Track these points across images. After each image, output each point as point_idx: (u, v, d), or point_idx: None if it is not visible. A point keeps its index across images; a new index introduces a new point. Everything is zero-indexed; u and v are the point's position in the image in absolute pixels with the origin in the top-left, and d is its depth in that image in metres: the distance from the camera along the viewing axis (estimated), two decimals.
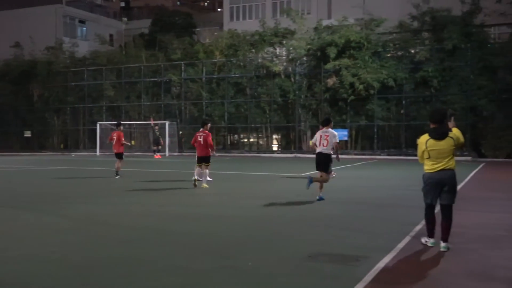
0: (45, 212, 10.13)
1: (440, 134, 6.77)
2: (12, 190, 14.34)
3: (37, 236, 7.82)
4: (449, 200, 6.92)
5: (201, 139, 14.11)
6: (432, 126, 6.89)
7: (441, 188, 6.87)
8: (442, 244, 6.82)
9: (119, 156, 17.66)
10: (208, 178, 14.50)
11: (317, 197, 11.51)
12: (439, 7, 30.26)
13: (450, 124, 7.16)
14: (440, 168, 6.81)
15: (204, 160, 14.16)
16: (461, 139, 6.93)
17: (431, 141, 6.80)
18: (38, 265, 6.13)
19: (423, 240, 7.12)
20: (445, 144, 6.75)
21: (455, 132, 6.93)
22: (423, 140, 6.89)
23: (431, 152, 6.82)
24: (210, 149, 14.24)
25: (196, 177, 14.24)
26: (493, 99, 29.14)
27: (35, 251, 6.82)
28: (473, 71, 28.95)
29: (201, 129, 14.45)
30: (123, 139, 17.79)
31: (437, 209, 7.11)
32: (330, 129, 11.64)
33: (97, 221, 9.02)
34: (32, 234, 8.01)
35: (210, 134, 14.54)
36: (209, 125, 14.55)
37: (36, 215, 9.73)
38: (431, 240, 7.01)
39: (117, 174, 17.41)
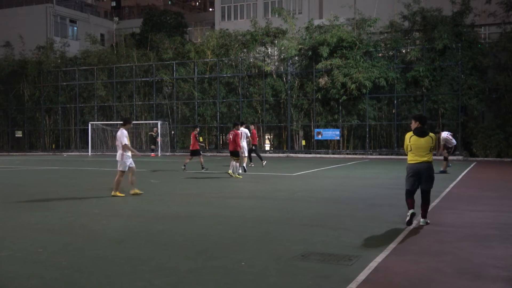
0: (34, 212, 10.07)
1: (421, 132, 8.45)
2: (2, 190, 14.25)
3: (25, 236, 7.78)
4: (426, 187, 8.52)
5: (231, 137, 17.41)
6: (416, 126, 8.56)
7: (419, 176, 8.46)
8: (421, 220, 8.55)
9: (193, 153, 20.10)
10: (244, 167, 18.47)
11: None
12: (429, 7, 30.39)
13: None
14: (419, 161, 8.43)
15: (233, 154, 17.21)
16: (435, 143, 8.60)
17: (414, 137, 8.47)
18: (25, 266, 6.11)
19: (409, 213, 8.43)
20: (425, 141, 8.40)
21: (433, 135, 8.57)
22: (408, 136, 8.57)
23: (412, 146, 8.46)
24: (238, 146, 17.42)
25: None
26: (483, 99, 29.31)
27: (22, 252, 6.80)
28: (463, 71, 29.09)
29: (233, 129, 17.71)
30: (192, 137, 20.38)
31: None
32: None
33: (86, 221, 9.00)
34: (20, 234, 7.97)
35: (239, 133, 17.70)
36: (239, 126, 17.96)
37: (26, 215, 9.67)
38: (411, 211, 8.43)
39: (202, 168, 20.21)
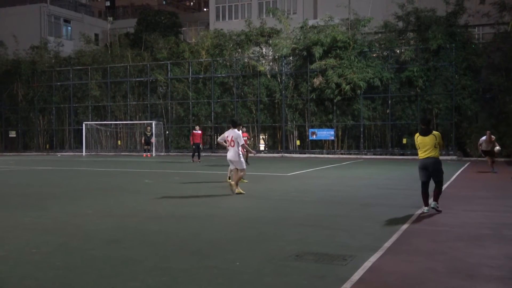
0: (28, 212, 10.03)
1: (425, 132, 9.75)
2: None
3: (19, 237, 7.75)
4: (435, 178, 9.77)
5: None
6: (422, 126, 9.99)
7: (427, 170, 9.71)
8: (432, 203, 9.74)
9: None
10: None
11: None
12: (423, 7, 30.48)
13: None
14: (425, 156, 9.70)
15: None
16: (441, 141, 9.78)
17: (420, 137, 9.78)
18: (18, 266, 6.09)
19: (421, 210, 9.70)
20: (428, 139, 9.65)
21: (437, 133, 9.77)
22: (416, 137, 9.94)
23: (419, 145, 9.78)
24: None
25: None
26: (477, 99, 29.43)
27: (16, 252, 6.77)
28: (457, 71, 29.19)
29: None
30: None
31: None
32: None
33: (79, 221, 8.97)
34: (13, 234, 7.94)
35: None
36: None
37: (19, 216, 9.63)
38: (426, 208, 9.66)
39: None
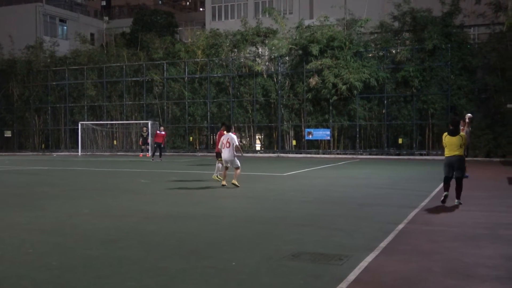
0: (24, 212, 10.00)
1: (453, 132, 10.77)
2: None
3: (15, 237, 7.72)
4: (458, 174, 10.79)
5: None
6: (450, 127, 10.88)
7: (452, 166, 10.75)
8: (456, 200, 10.87)
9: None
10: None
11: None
12: (419, 7, 30.56)
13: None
14: (452, 154, 10.72)
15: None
16: (465, 141, 10.75)
17: (448, 136, 10.80)
18: (15, 267, 6.07)
19: (443, 196, 10.84)
20: (456, 139, 10.69)
21: (463, 134, 10.81)
22: (444, 136, 10.97)
23: (447, 143, 10.80)
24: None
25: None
26: (472, 99, 29.53)
27: (12, 252, 6.75)
28: (453, 71, 29.28)
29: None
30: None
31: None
32: None
33: (76, 221, 8.96)
34: (10, 234, 7.91)
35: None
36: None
37: (16, 216, 9.60)
38: (445, 193, 10.82)
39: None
